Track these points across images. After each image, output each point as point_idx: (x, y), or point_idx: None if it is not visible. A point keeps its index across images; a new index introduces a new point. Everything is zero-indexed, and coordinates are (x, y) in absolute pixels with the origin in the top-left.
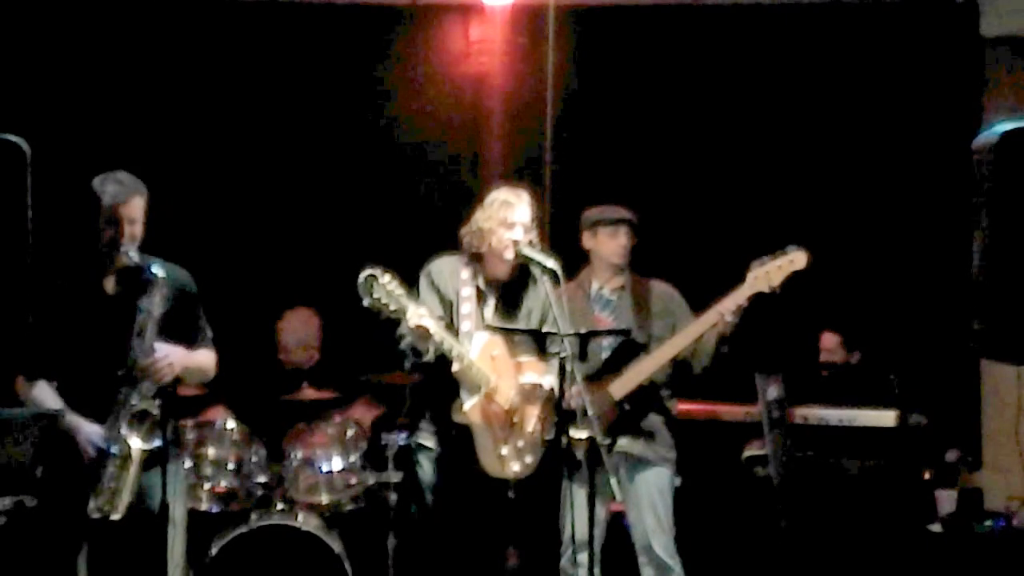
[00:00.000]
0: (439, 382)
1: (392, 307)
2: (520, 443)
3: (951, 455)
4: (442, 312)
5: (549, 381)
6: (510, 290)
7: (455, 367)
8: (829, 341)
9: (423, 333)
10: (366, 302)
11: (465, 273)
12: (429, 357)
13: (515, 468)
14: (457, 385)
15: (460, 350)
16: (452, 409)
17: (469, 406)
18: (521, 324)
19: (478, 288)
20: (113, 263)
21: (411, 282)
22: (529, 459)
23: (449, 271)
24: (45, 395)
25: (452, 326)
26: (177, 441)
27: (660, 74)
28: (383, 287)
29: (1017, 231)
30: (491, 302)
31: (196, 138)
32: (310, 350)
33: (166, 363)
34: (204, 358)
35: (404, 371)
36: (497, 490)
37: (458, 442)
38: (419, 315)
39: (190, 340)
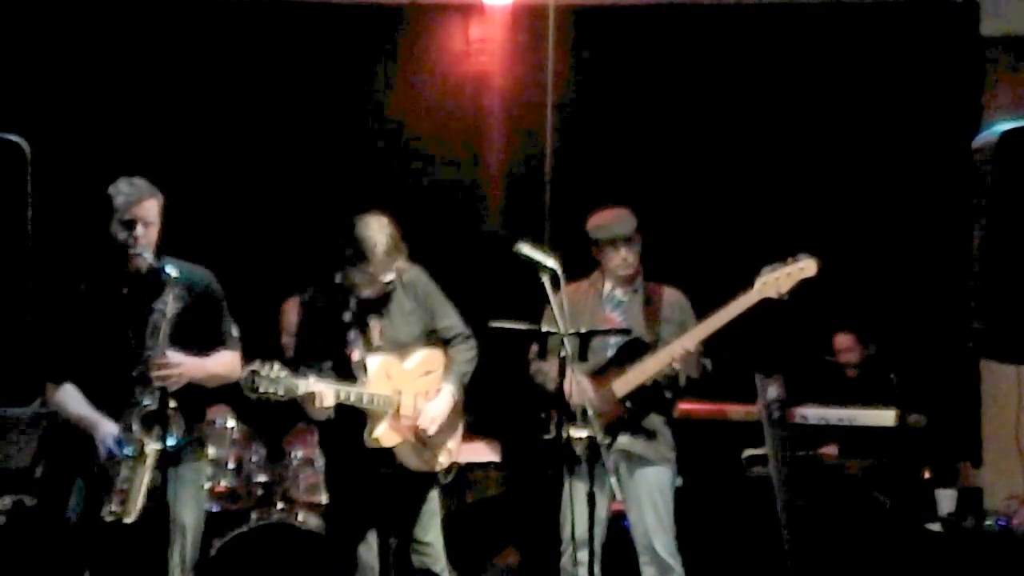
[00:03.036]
0: (341, 411)
1: (281, 392)
2: (439, 437)
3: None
4: (327, 337)
5: (448, 393)
6: (384, 301)
7: (358, 406)
8: (843, 342)
9: (318, 400)
10: (253, 397)
11: (340, 299)
12: (328, 415)
13: (441, 460)
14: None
15: (357, 392)
16: (364, 440)
17: (380, 433)
18: (407, 326)
19: (356, 313)
20: (127, 266)
21: None
22: (452, 444)
23: (325, 298)
24: (70, 398)
25: (338, 350)
26: (200, 441)
27: (660, 74)
28: (266, 378)
29: (1017, 231)
30: (372, 321)
31: (196, 137)
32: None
33: (176, 372)
34: (222, 363)
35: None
36: (419, 479)
37: (365, 451)
38: (308, 384)
39: (212, 341)
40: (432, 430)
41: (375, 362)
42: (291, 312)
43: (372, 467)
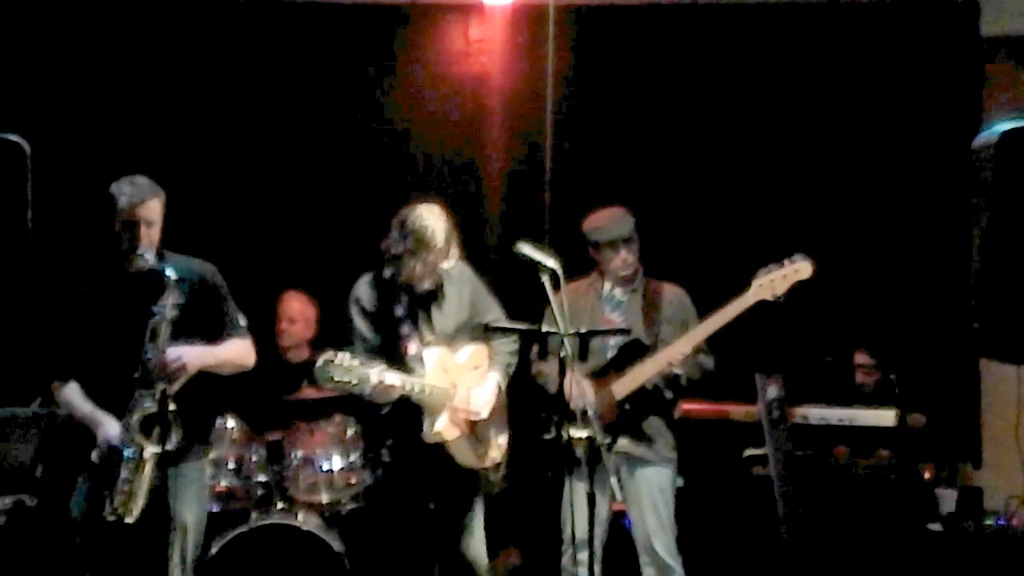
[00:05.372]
0: (397, 408)
1: (354, 381)
2: (490, 431)
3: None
4: (379, 338)
5: (493, 381)
6: (433, 293)
7: (415, 397)
8: (861, 360)
9: (385, 389)
10: (328, 386)
11: (390, 291)
12: (388, 408)
13: (494, 455)
14: (406, 404)
15: (420, 383)
16: (423, 435)
17: (441, 426)
18: (453, 319)
19: (408, 306)
20: (128, 266)
21: None
22: (502, 440)
23: (376, 294)
24: (76, 395)
25: (394, 347)
26: (203, 441)
27: (660, 74)
28: (339, 367)
29: (1017, 231)
30: (423, 315)
31: (196, 138)
32: (309, 323)
33: (177, 364)
34: (231, 349)
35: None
36: (467, 476)
37: (422, 451)
38: (380, 372)
39: (217, 332)
40: (484, 413)
41: (432, 355)
42: (287, 304)
43: (425, 463)
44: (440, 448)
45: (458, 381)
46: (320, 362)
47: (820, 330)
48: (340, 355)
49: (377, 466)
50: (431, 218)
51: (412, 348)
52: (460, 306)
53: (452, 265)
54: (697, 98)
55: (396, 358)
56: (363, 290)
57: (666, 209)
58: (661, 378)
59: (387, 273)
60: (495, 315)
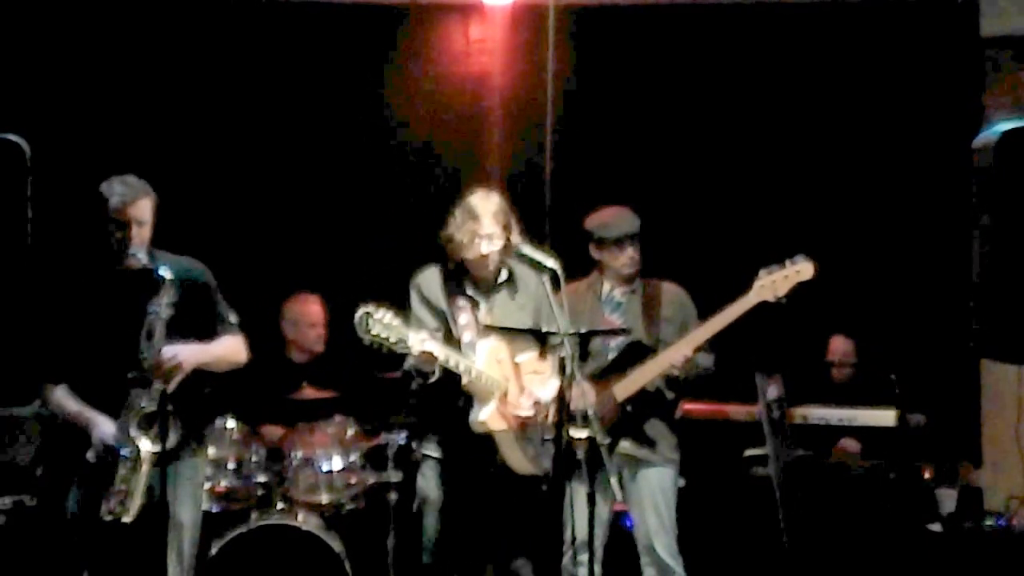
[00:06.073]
0: (443, 392)
1: (392, 339)
2: (545, 437)
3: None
4: (437, 324)
5: (553, 386)
6: (498, 289)
7: (464, 380)
8: (839, 345)
9: (428, 358)
10: (366, 340)
11: (453, 282)
12: (435, 377)
13: (546, 464)
14: (459, 391)
15: (467, 363)
16: (470, 422)
17: (487, 415)
18: (516, 319)
19: (469, 295)
20: (121, 265)
21: (404, 280)
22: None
23: (437, 282)
24: (68, 396)
25: (451, 336)
26: (199, 439)
27: (660, 74)
28: (379, 322)
29: (1017, 231)
30: (484, 306)
31: (196, 137)
32: (318, 328)
33: (173, 363)
34: (225, 346)
35: (412, 391)
36: (523, 486)
37: (472, 447)
38: (421, 340)
39: (210, 330)
40: (530, 404)
41: (486, 345)
42: (296, 306)
43: (475, 463)
44: (491, 449)
45: (511, 377)
46: (359, 312)
47: (821, 330)
48: (381, 310)
49: (416, 459)
50: (478, 198)
51: (467, 336)
52: (522, 309)
53: (517, 267)
54: (697, 98)
55: (452, 346)
56: (426, 278)
57: (667, 209)
58: (662, 379)
59: (452, 265)
60: (559, 327)
